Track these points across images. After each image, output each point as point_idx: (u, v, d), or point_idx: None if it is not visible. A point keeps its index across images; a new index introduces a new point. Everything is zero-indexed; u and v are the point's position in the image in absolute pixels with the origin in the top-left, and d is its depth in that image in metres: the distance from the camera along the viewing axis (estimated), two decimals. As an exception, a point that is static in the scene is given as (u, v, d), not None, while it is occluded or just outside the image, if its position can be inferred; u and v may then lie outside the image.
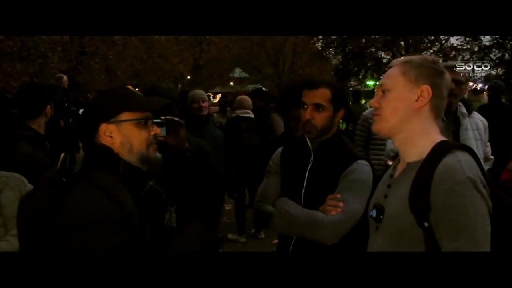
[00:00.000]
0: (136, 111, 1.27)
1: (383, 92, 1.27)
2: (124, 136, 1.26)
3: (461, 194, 1.08)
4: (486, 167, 2.67)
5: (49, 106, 2.53)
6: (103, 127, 1.25)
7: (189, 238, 1.31)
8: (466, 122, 2.47)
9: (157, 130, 1.34)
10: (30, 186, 1.89)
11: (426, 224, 1.11)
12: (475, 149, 2.31)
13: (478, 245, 1.07)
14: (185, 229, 1.33)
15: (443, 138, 1.23)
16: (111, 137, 1.25)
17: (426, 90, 1.21)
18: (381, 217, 1.25)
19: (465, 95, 2.56)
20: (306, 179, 1.79)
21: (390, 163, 1.40)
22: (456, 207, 1.08)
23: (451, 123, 2.44)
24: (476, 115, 2.59)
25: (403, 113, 1.23)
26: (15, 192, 1.86)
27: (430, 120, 1.23)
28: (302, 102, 1.80)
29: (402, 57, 1.30)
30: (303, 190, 1.79)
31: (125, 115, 1.26)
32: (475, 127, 2.51)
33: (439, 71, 1.24)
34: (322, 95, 1.76)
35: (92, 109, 1.31)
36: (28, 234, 1.21)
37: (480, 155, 2.39)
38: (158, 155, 1.33)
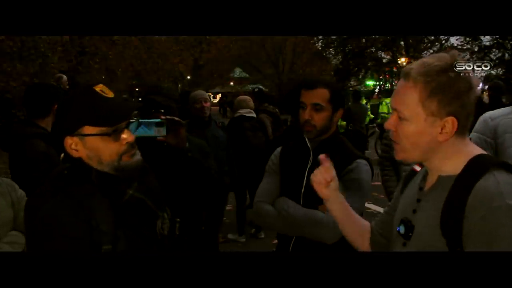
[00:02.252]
0: (98, 125, 1.15)
1: (399, 118, 1.09)
2: (90, 149, 1.17)
3: (497, 223, 0.94)
4: None
5: (56, 106, 2.55)
6: (68, 140, 1.17)
7: None
8: None
9: (130, 138, 1.19)
10: (21, 192, 1.89)
11: (459, 249, 1.00)
12: None
13: None
14: None
15: (479, 151, 1.08)
16: (76, 150, 1.17)
17: (451, 122, 1.04)
18: (410, 234, 1.12)
19: None
20: (305, 179, 1.79)
21: (418, 168, 1.24)
22: (489, 236, 0.95)
23: None
24: None
25: (426, 146, 1.08)
26: (6, 199, 1.82)
27: (457, 142, 1.08)
28: (301, 102, 1.80)
29: (421, 69, 1.05)
30: (303, 190, 1.79)
31: (87, 129, 1.15)
32: None
33: (467, 89, 1.04)
34: (320, 95, 1.77)
35: (56, 121, 1.23)
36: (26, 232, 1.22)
37: None
38: (135, 158, 1.21)
